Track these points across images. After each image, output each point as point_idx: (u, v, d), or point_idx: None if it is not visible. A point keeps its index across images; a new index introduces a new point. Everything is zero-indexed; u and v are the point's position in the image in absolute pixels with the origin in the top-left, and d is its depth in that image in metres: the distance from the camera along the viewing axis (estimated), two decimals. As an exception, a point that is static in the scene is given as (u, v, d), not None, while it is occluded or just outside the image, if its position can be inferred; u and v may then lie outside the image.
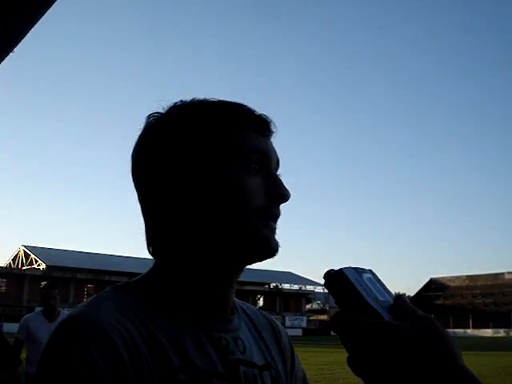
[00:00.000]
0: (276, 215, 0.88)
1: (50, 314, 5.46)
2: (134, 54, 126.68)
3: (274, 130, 0.93)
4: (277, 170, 0.92)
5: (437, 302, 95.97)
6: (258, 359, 0.92)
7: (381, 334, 0.63)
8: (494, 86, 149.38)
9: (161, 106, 0.92)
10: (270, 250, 0.87)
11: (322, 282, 0.70)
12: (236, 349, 0.89)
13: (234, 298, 0.98)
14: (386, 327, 0.64)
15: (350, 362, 0.65)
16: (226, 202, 0.84)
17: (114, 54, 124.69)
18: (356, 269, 0.71)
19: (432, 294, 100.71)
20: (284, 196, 0.88)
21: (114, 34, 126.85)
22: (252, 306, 1.07)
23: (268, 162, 0.89)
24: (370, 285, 0.70)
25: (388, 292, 0.72)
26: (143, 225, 0.92)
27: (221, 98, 0.93)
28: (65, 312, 5.57)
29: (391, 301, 0.70)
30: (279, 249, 0.88)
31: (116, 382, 0.72)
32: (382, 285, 0.72)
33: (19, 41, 3.25)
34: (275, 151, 0.92)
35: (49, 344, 0.76)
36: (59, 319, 5.13)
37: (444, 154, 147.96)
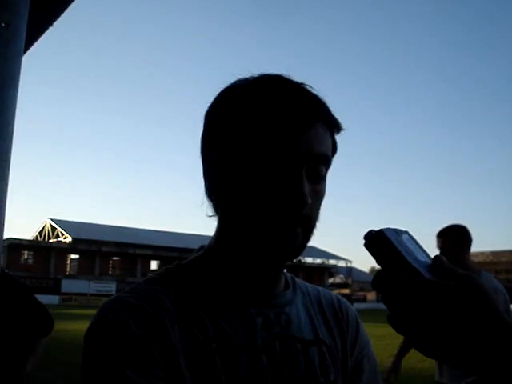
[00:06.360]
0: (293, 220, 0.83)
1: None
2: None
3: (321, 119, 0.86)
4: (318, 165, 0.86)
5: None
6: (307, 335, 0.93)
7: (423, 291, 0.65)
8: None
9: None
10: (281, 253, 0.85)
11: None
12: (276, 324, 0.90)
13: (297, 279, 1.03)
14: (427, 284, 0.66)
15: (391, 319, 0.67)
16: (247, 198, 0.84)
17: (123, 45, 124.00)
18: (395, 229, 0.73)
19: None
20: (297, 202, 0.82)
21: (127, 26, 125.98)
22: (317, 287, 1.07)
23: (296, 159, 0.83)
24: (409, 245, 0.72)
25: (425, 253, 0.73)
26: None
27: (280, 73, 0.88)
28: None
29: (429, 261, 0.72)
30: (295, 253, 0.86)
31: (145, 339, 0.78)
32: (420, 246, 0.74)
33: (59, 15, 3.25)
34: (317, 144, 0.84)
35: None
36: None
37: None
